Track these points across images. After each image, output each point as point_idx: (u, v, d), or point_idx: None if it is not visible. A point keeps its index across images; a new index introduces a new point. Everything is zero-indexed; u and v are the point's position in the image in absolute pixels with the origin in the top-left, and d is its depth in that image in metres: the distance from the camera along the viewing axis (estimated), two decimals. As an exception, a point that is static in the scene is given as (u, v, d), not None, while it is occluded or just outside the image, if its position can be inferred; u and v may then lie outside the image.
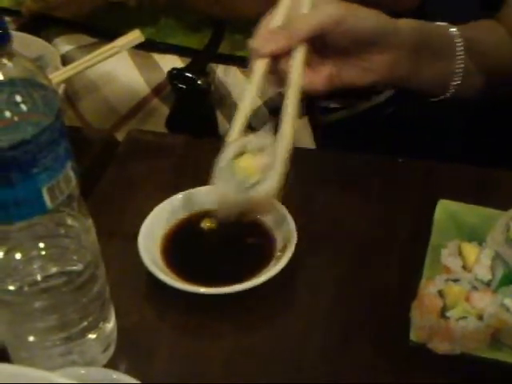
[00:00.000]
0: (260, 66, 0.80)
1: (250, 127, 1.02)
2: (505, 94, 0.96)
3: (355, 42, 0.83)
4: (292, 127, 0.77)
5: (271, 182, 0.73)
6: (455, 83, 0.90)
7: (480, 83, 0.91)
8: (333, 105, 1.09)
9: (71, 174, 0.60)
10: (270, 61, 0.81)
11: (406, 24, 0.86)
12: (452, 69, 0.89)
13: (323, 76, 0.83)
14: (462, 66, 0.89)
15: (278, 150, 0.75)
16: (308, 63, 0.82)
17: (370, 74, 0.85)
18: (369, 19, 0.83)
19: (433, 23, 0.90)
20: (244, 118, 0.79)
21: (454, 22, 0.91)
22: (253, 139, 0.76)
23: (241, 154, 0.75)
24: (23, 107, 0.56)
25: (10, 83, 0.56)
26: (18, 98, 0.55)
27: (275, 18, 0.83)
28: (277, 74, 0.82)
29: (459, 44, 0.89)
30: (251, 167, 0.74)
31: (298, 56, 0.81)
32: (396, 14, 0.87)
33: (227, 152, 0.75)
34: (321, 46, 0.83)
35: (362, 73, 0.85)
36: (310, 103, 1.07)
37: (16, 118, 0.55)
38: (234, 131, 0.78)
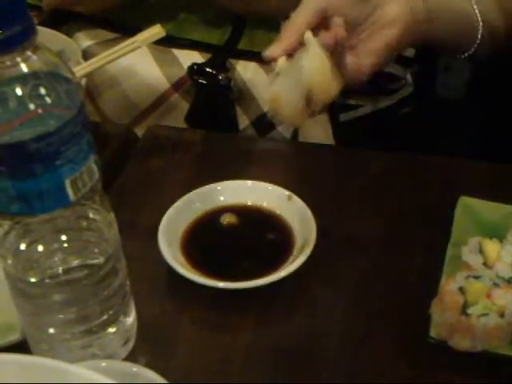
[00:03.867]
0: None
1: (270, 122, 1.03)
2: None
3: (360, 9, 0.84)
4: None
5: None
6: (478, 41, 0.89)
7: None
8: (351, 102, 1.09)
9: (94, 167, 0.60)
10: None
11: None
12: (472, 26, 0.88)
13: (368, 56, 0.85)
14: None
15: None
16: (351, 48, 0.85)
17: (391, 29, 0.85)
18: None
19: None
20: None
21: None
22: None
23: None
24: (47, 100, 0.56)
25: (34, 76, 0.56)
26: (42, 91, 0.56)
27: None
28: None
29: None
30: None
31: (311, 48, 0.83)
32: None
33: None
34: (347, 28, 0.84)
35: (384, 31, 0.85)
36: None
37: (40, 111, 0.56)
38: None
